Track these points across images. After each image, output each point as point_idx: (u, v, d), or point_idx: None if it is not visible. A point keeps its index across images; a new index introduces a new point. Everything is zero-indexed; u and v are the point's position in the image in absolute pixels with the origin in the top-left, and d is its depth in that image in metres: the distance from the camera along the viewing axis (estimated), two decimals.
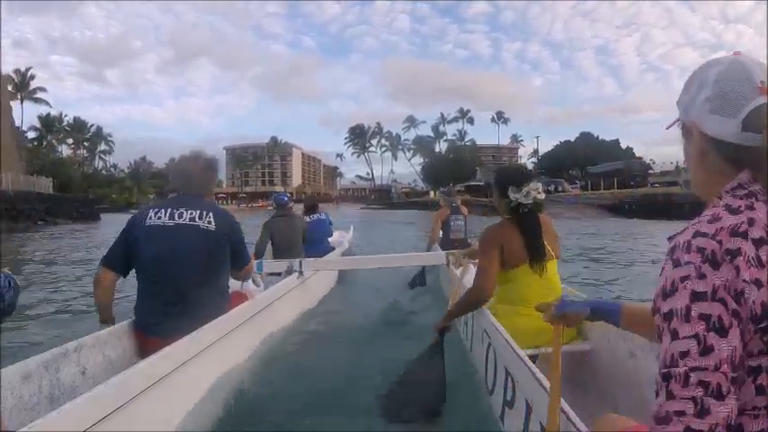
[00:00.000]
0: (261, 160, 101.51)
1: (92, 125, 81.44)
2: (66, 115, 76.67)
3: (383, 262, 5.12)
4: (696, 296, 0.65)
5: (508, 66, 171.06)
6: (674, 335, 0.66)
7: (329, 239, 6.51)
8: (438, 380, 2.30)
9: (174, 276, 2.23)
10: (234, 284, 3.33)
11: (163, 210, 2.32)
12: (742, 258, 0.65)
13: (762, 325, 0.64)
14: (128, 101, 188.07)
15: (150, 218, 2.30)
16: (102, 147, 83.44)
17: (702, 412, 0.62)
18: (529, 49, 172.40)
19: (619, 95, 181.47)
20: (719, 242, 0.67)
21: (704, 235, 0.68)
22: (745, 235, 0.66)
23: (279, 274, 4.33)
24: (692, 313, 0.65)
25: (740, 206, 0.70)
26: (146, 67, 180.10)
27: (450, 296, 3.26)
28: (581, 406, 1.46)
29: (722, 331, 0.63)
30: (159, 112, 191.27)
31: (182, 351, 1.94)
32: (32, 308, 5.33)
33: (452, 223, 5.92)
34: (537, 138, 78.26)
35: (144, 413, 1.63)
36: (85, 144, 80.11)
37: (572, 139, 72.11)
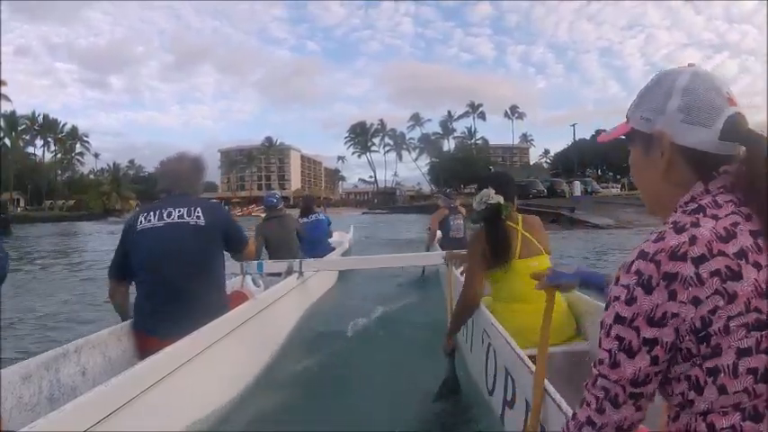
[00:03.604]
0: (256, 162, 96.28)
1: (64, 123, 70.84)
2: (39, 114, 66.51)
3: (383, 262, 5.14)
4: (618, 318, 0.73)
5: (513, 69, 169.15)
6: (600, 342, 0.76)
7: (329, 240, 6.52)
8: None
9: (168, 275, 2.24)
10: (234, 284, 3.35)
11: (152, 212, 2.34)
12: (678, 282, 0.69)
13: (701, 335, 0.69)
14: (132, 107, 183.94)
15: (141, 222, 2.33)
16: (79, 149, 72.73)
17: (600, 410, 0.74)
18: (533, 51, 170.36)
19: (623, 97, 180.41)
20: (658, 263, 0.70)
21: (645, 256, 0.71)
22: (684, 257, 0.69)
23: (279, 274, 4.33)
24: (612, 332, 0.73)
25: (686, 224, 0.72)
26: (150, 72, 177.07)
27: (448, 295, 3.27)
28: None
29: (630, 353, 0.72)
30: (164, 117, 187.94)
31: (182, 351, 1.94)
32: None
33: (451, 223, 6.00)
34: (573, 126, 54.36)
35: (144, 414, 1.63)
36: (66, 145, 70.12)
37: (587, 138, 69.58)
